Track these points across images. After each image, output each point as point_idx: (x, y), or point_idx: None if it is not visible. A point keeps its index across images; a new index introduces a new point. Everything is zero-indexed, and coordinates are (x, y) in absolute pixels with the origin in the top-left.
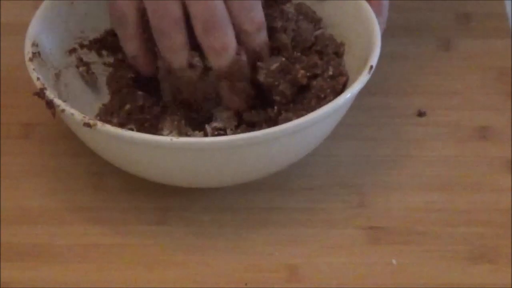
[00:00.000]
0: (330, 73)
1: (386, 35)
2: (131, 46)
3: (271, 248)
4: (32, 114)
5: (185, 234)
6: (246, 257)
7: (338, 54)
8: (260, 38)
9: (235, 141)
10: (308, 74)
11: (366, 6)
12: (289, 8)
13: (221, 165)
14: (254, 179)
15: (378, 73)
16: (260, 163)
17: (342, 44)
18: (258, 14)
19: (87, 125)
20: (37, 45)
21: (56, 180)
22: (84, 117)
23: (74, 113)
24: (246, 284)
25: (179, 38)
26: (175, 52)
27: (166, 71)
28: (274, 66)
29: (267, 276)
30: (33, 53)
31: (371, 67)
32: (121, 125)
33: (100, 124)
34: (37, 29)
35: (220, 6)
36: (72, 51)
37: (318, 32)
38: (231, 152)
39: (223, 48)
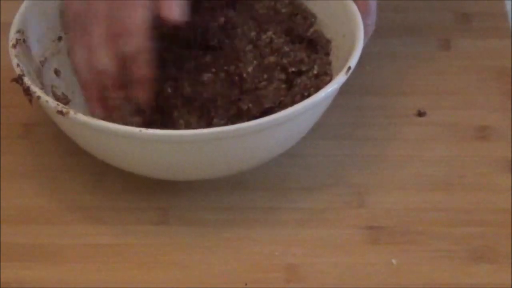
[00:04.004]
0: (315, 72)
1: (387, 35)
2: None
3: (271, 248)
4: (32, 114)
5: (185, 234)
6: (246, 257)
7: (326, 50)
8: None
9: (202, 135)
10: (293, 69)
11: (352, 6)
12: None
13: (190, 158)
14: (226, 175)
15: (378, 73)
16: (227, 158)
17: (329, 41)
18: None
19: (60, 113)
20: (22, 33)
21: (56, 180)
22: (57, 104)
23: (48, 101)
24: (246, 284)
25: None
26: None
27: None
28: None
29: (267, 276)
30: (17, 40)
31: (349, 68)
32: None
33: (72, 112)
34: (24, 17)
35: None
36: (60, 38)
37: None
38: (199, 146)
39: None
